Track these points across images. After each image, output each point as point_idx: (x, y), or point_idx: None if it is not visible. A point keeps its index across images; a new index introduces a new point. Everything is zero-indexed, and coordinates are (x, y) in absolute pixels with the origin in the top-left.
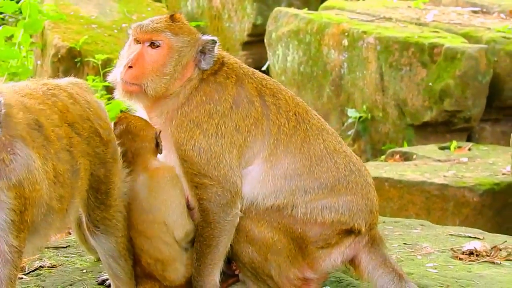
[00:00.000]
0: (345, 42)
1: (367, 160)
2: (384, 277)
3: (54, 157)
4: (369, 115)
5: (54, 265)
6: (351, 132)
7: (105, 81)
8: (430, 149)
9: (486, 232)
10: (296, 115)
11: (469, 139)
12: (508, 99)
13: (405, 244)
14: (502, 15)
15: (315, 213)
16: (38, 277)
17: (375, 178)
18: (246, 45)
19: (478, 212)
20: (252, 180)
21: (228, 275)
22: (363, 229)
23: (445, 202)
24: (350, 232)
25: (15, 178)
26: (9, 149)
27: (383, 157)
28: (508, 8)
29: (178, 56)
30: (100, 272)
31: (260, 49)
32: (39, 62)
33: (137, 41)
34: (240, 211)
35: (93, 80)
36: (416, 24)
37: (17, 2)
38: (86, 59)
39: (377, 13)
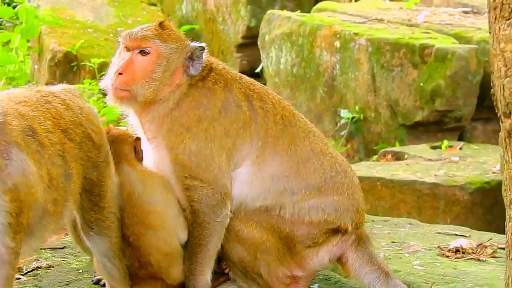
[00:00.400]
0: (337, 44)
1: (360, 160)
2: (371, 274)
3: (48, 162)
4: (362, 115)
5: (50, 265)
6: (344, 132)
7: None
8: (421, 149)
9: (473, 230)
10: (283, 118)
11: (460, 138)
12: None
13: (393, 242)
14: None
15: (302, 213)
16: (35, 277)
17: (367, 178)
18: (240, 47)
19: (468, 210)
20: (241, 181)
21: (219, 274)
22: (350, 228)
23: (436, 200)
24: (337, 231)
25: (10, 182)
26: (4, 155)
27: (375, 157)
28: None
29: (167, 63)
30: (95, 272)
31: (255, 51)
32: (36, 67)
33: (127, 49)
34: (230, 211)
35: (90, 83)
36: (407, 25)
37: (14, 8)
38: (82, 63)
39: (369, 14)
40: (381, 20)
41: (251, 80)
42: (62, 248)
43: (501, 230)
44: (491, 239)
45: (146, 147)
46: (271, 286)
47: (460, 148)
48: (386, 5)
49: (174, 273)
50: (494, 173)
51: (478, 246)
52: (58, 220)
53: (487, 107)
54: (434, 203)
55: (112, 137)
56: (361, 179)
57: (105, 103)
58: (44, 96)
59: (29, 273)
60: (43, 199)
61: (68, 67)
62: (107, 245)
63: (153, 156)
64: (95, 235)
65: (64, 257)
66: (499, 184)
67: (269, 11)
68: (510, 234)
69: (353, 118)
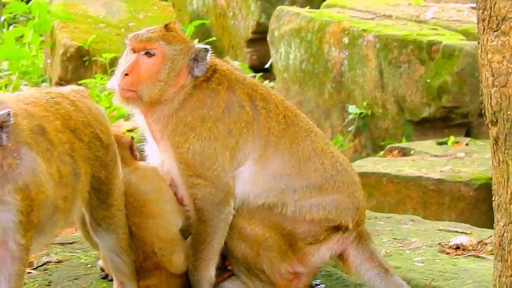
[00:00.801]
0: (346, 40)
1: (367, 155)
2: (371, 271)
3: (58, 159)
4: (369, 111)
5: (60, 260)
6: (351, 128)
7: None
8: (428, 145)
9: (474, 227)
10: (285, 118)
11: (467, 135)
12: None
13: (395, 239)
14: None
15: (304, 211)
16: (46, 271)
17: (373, 174)
18: (250, 42)
19: (473, 206)
20: (243, 180)
21: (223, 270)
22: (350, 226)
23: (441, 196)
24: (337, 228)
25: (21, 181)
26: (15, 154)
27: (381, 152)
28: None
29: (172, 64)
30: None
31: (264, 46)
32: (48, 61)
33: (133, 50)
34: (233, 209)
35: (101, 78)
36: (415, 21)
37: (27, 3)
38: (94, 58)
39: (378, 11)
40: (389, 16)
41: (255, 81)
42: (72, 243)
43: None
44: (491, 236)
45: (152, 146)
46: (273, 282)
47: (467, 144)
48: (395, 1)
49: (176, 261)
50: None
51: (478, 243)
52: (68, 216)
53: None
54: (439, 199)
55: None
56: (367, 174)
57: None
58: (54, 98)
59: (39, 268)
60: (54, 196)
61: (80, 62)
62: (114, 241)
63: (159, 155)
64: (103, 231)
65: (73, 252)
66: None
67: (278, 7)
68: (497, 237)
69: (360, 113)
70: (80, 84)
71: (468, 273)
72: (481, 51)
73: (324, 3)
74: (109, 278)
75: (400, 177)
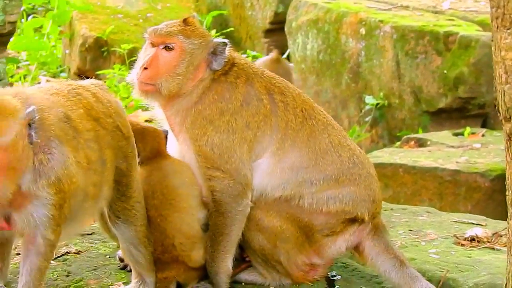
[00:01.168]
0: (363, 31)
1: (384, 146)
2: (387, 262)
3: (85, 146)
4: (386, 102)
5: (79, 251)
6: (368, 118)
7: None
8: (444, 136)
9: (489, 219)
10: (303, 112)
11: (483, 125)
12: None
13: (410, 230)
14: None
15: (320, 203)
16: (65, 262)
17: (389, 164)
18: (268, 32)
19: (488, 197)
20: (261, 172)
21: (241, 261)
22: (366, 218)
23: (457, 187)
24: (354, 221)
25: (54, 175)
26: (46, 149)
27: (398, 143)
28: None
29: (190, 58)
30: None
31: (282, 36)
32: (67, 52)
33: (152, 44)
34: (251, 201)
35: (119, 69)
36: (432, 12)
37: None
38: (112, 49)
39: (395, 1)
40: (406, 7)
41: (273, 74)
42: (91, 234)
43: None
44: (505, 228)
45: (171, 139)
46: (290, 273)
47: (483, 135)
48: None
49: (195, 256)
50: None
51: (493, 235)
52: (97, 203)
53: None
54: (455, 190)
55: (144, 130)
56: (384, 165)
57: None
58: (75, 89)
59: (58, 258)
60: (84, 184)
61: (98, 52)
62: (132, 233)
63: (178, 148)
64: (122, 223)
65: (92, 243)
66: None
67: None
68: (510, 231)
69: (377, 104)
70: (98, 75)
71: (482, 265)
72: (495, 49)
73: None
74: (128, 268)
75: (417, 168)
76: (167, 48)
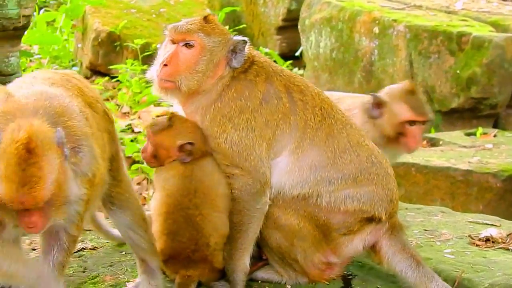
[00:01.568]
0: (376, 29)
1: None
2: (403, 262)
3: (97, 134)
4: None
5: (95, 247)
6: None
7: (144, 65)
8: (456, 135)
9: (503, 220)
10: (321, 110)
11: (495, 126)
12: None
13: (425, 230)
14: None
15: (338, 202)
16: (81, 258)
17: (402, 164)
18: (280, 30)
19: (500, 197)
20: (280, 171)
21: (258, 259)
22: (384, 217)
23: (469, 187)
24: (371, 220)
25: (90, 172)
26: (77, 150)
27: None
28: None
29: (210, 55)
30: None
31: (294, 34)
32: (79, 46)
33: (173, 41)
34: (269, 199)
35: (132, 64)
36: (445, 12)
37: None
38: (125, 44)
39: (408, 1)
40: (419, 7)
41: (292, 73)
42: None
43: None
44: None
45: None
46: (307, 271)
47: (495, 135)
48: None
49: (221, 256)
50: None
51: (508, 235)
52: (104, 189)
53: None
54: (467, 190)
55: (198, 128)
56: (396, 164)
57: (147, 83)
58: (64, 76)
59: (74, 254)
60: (105, 173)
61: (111, 47)
62: (129, 217)
63: None
64: (117, 209)
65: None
66: None
67: None
68: None
69: None
70: (110, 69)
71: (497, 265)
72: None
73: None
74: None
75: (429, 168)
76: (187, 45)
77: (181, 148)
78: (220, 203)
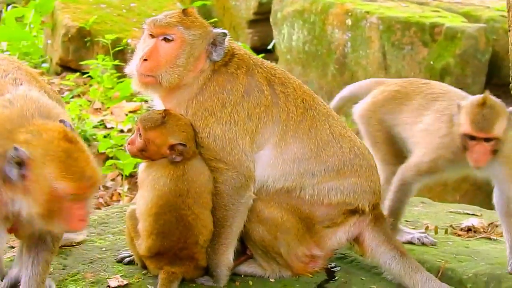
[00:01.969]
0: (349, 21)
1: None
2: (387, 253)
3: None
4: None
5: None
6: None
7: (115, 60)
8: None
9: (484, 209)
10: (303, 102)
11: None
12: (507, 76)
13: (407, 221)
14: None
15: (322, 195)
16: (61, 255)
17: None
18: (252, 23)
19: (477, 187)
20: (263, 164)
21: (241, 253)
22: (367, 209)
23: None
24: (354, 212)
25: None
26: None
27: None
28: None
29: (190, 49)
30: (118, 251)
31: (266, 27)
32: (49, 42)
33: (152, 36)
34: (253, 193)
35: (103, 59)
36: (417, 3)
37: None
38: (96, 39)
39: None
40: None
41: (273, 65)
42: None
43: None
44: None
45: None
46: (290, 265)
47: None
48: None
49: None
50: None
51: (489, 225)
52: None
53: (495, 85)
54: (444, 181)
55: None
56: None
57: (119, 78)
58: (11, 62)
59: None
60: None
61: (81, 43)
62: None
63: None
64: None
65: (88, 236)
66: None
67: None
68: None
69: None
70: (81, 65)
71: (480, 255)
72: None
73: None
74: (125, 261)
75: None
76: (167, 39)
77: (172, 147)
78: (208, 201)
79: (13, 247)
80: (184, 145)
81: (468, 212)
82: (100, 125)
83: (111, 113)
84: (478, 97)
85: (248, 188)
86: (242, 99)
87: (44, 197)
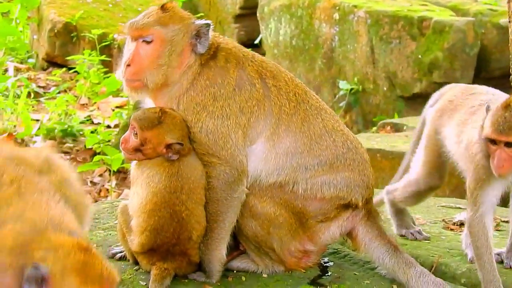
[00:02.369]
0: (336, 16)
1: (359, 131)
2: (380, 248)
3: None
4: (360, 87)
5: None
6: (342, 103)
7: (102, 55)
8: None
9: None
10: (296, 96)
11: None
12: (495, 70)
13: None
14: None
15: (315, 189)
16: None
17: (367, 150)
18: (238, 18)
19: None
20: (255, 158)
21: (234, 249)
22: (360, 204)
23: None
24: (347, 206)
25: None
26: None
27: (374, 128)
28: None
29: (171, 46)
30: (110, 246)
31: (252, 21)
32: (35, 37)
33: (132, 38)
34: (246, 188)
35: (89, 54)
36: None
37: None
38: (82, 34)
39: None
40: None
41: (263, 58)
42: None
43: (500, 202)
44: None
45: None
46: (283, 260)
47: None
48: None
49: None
50: None
51: None
52: None
53: (483, 78)
54: None
55: (186, 124)
56: None
57: (105, 73)
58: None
59: None
60: None
61: (67, 38)
62: None
63: None
64: None
65: None
66: None
67: None
68: None
69: (351, 89)
70: (68, 60)
71: None
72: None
73: None
74: (117, 257)
75: (394, 153)
76: (146, 41)
77: (169, 146)
78: (202, 196)
79: None
80: (181, 144)
81: (460, 206)
82: (87, 120)
83: (98, 108)
84: (506, 99)
85: (241, 182)
86: (234, 92)
87: None
